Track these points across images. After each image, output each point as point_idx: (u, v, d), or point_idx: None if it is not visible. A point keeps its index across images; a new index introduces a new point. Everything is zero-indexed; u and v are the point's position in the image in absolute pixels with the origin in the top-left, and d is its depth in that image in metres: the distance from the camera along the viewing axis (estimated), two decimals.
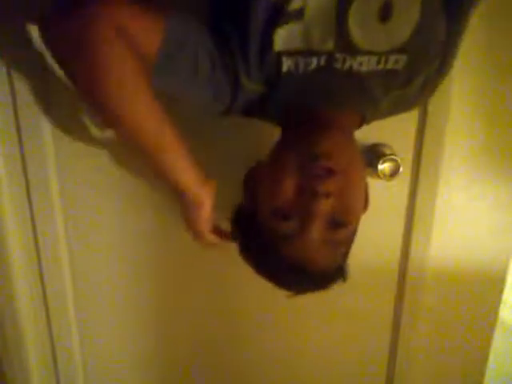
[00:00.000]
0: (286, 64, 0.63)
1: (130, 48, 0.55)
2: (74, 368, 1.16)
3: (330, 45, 0.61)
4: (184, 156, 0.66)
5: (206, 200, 0.72)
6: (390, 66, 0.64)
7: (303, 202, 0.63)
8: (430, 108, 0.95)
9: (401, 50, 0.63)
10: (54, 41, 0.56)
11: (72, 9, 0.53)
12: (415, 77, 0.68)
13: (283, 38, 0.61)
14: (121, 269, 1.08)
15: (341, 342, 1.17)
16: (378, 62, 0.63)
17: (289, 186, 0.64)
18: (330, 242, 0.65)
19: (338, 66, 0.63)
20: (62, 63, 0.59)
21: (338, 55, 0.62)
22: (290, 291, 0.73)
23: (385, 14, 0.59)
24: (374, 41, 0.62)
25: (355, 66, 0.63)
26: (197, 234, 0.78)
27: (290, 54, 0.62)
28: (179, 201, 0.72)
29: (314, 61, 0.62)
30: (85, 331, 1.13)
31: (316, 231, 0.64)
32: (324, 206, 0.62)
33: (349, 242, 0.72)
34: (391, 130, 0.97)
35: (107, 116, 0.60)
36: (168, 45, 0.59)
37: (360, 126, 0.75)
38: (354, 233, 0.71)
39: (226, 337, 1.16)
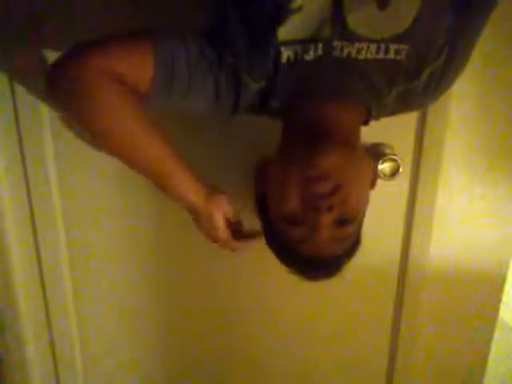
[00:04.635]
0: (285, 54, 0.64)
1: (124, 89, 0.61)
2: (73, 368, 1.16)
3: (326, 31, 0.62)
4: (186, 179, 0.71)
5: (214, 211, 0.76)
6: (391, 55, 0.64)
7: (308, 212, 0.66)
8: (430, 108, 0.95)
9: (401, 38, 0.63)
10: (54, 91, 0.62)
11: (65, 62, 0.60)
12: (420, 70, 0.68)
13: (283, 30, 0.62)
14: (121, 268, 1.08)
15: (341, 341, 1.17)
16: (378, 51, 0.63)
17: (293, 197, 0.66)
18: (339, 238, 0.69)
19: (337, 53, 0.63)
20: (64, 109, 0.65)
21: (335, 43, 0.63)
22: (307, 278, 0.77)
23: (383, 1, 0.60)
24: (372, 27, 0.62)
25: (354, 54, 0.63)
26: (219, 244, 0.81)
27: (288, 43, 0.63)
28: (191, 217, 0.77)
29: (312, 48, 0.63)
30: (85, 331, 1.13)
31: (324, 235, 0.67)
32: (327, 218, 0.65)
33: (357, 229, 0.74)
34: (391, 130, 0.97)
35: (110, 151, 0.68)
36: (160, 72, 0.63)
37: (367, 121, 0.75)
38: (361, 220, 0.75)
39: (227, 336, 1.16)
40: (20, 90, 0.90)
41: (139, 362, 1.18)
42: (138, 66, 0.63)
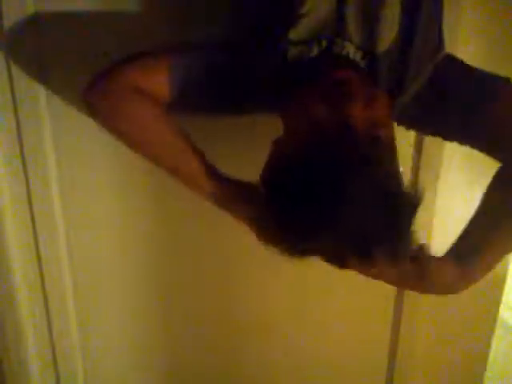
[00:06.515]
0: (292, 52, 0.70)
1: (145, 99, 0.70)
2: (74, 368, 1.16)
3: (330, 31, 0.69)
4: (210, 177, 0.75)
5: None
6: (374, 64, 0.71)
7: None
8: None
9: (382, 55, 0.69)
10: (89, 107, 0.73)
11: (94, 86, 0.70)
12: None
13: (293, 32, 0.69)
14: (121, 267, 1.08)
15: (341, 341, 1.17)
16: (363, 58, 0.70)
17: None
18: (371, 117, 0.64)
19: (337, 50, 0.70)
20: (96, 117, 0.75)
21: (337, 40, 0.69)
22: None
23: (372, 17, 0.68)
24: (362, 37, 0.69)
25: (352, 53, 0.70)
26: None
27: (296, 43, 0.70)
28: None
29: (316, 45, 0.70)
30: (85, 331, 1.13)
31: (356, 102, 0.63)
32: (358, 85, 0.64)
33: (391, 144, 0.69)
34: None
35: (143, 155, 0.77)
36: (173, 86, 0.71)
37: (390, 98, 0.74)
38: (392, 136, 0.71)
39: (226, 336, 1.16)
40: (20, 88, 0.90)
41: (139, 362, 1.18)
42: (155, 83, 0.71)
